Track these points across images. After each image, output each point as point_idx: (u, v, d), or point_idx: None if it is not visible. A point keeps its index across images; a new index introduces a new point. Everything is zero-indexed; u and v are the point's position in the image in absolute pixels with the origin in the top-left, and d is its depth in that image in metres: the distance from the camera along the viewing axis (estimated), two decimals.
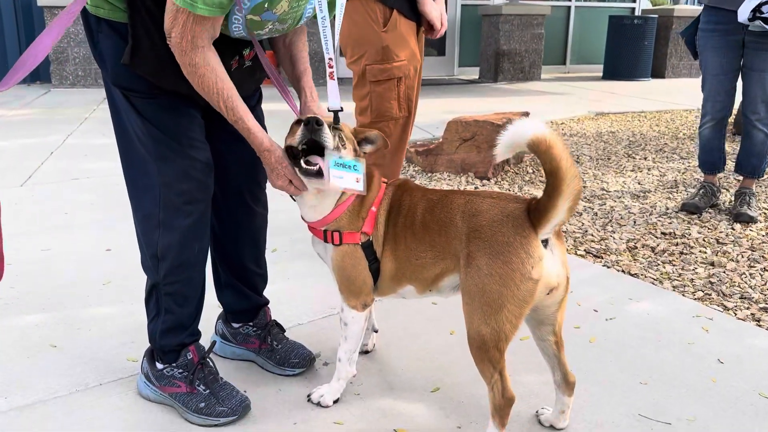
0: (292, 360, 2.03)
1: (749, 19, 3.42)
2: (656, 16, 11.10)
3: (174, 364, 1.84)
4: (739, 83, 3.74)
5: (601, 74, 11.70)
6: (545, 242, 1.58)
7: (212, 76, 1.58)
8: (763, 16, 3.40)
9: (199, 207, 1.75)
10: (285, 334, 2.14)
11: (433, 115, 7.01)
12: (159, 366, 1.86)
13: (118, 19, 1.59)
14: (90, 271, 2.83)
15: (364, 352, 2.19)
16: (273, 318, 2.14)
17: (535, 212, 1.57)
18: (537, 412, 1.88)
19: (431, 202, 1.74)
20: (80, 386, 1.96)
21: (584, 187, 4.44)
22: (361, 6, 2.44)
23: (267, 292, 2.19)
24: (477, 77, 11.26)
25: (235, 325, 2.10)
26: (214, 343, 1.93)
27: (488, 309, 1.57)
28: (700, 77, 3.88)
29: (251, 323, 2.08)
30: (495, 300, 1.56)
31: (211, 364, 1.88)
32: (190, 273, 1.79)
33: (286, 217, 3.59)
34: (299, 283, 2.76)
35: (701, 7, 3.80)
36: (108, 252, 3.05)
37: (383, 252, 1.78)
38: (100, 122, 6.21)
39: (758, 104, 3.66)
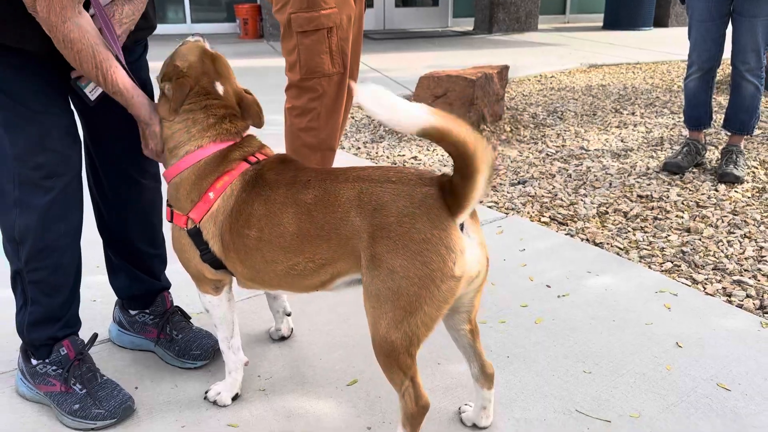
0: (193, 351, 1.82)
1: None
2: None
3: (47, 360, 1.64)
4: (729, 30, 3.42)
5: (602, 24, 11.22)
6: (461, 226, 1.34)
7: (89, 50, 1.38)
8: None
9: (59, 182, 1.51)
10: (191, 320, 1.93)
11: (417, 71, 6.67)
12: (33, 362, 1.66)
13: None
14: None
15: (281, 339, 1.98)
16: (176, 304, 1.93)
17: (452, 197, 1.30)
18: (460, 409, 1.67)
19: (303, 205, 1.43)
20: None
21: (563, 146, 4.16)
22: None
23: (177, 273, 1.97)
24: (471, 28, 10.82)
25: (132, 313, 1.89)
26: (94, 336, 1.71)
27: (401, 312, 1.33)
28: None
29: (148, 310, 1.87)
30: (411, 303, 1.32)
31: (90, 359, 1.67)
32: (57, 258, 1.57)
33: None
34: None
35: None
36: None
37: (226, 256, 1.52)
38: None
39: (748, 53, 3.34)
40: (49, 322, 1.61)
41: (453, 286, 1.32)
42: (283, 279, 1.50)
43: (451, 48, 8.73)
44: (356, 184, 1.40)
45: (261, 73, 6.58)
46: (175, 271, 1.98)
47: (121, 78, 1.46)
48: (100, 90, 1.56)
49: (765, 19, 3.25)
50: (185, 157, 1.55)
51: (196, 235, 1.53)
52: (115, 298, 1.98)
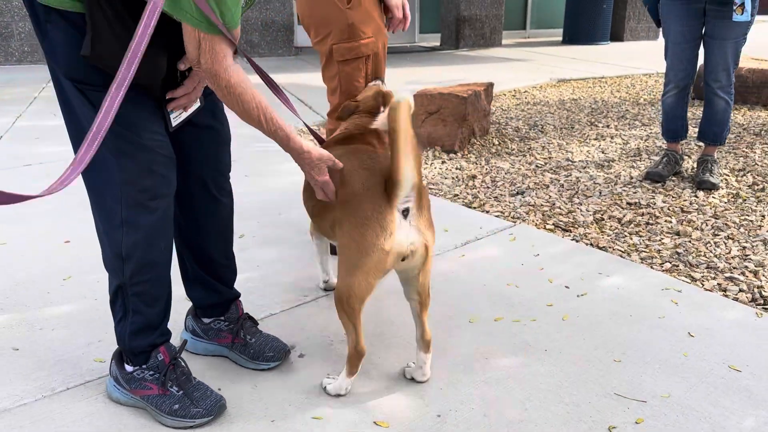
0: (267, 354, 1.99)
1: None
2: None
3: (144, 366, 1.78)
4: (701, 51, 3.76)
5: (560, 39, 11.71)
6: (406, 211, 1.69)
7: (248, 92, 1.55)
8: None
9: (163, 202, 1.68)
10: (258, 326, 2.10)
11: (396, 86, 6.93)
12: (128, 368, 1.80)
13: (70, 9, 1.48)
14: (49, 265, 2.73)
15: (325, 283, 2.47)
16: (245, 311, 2.09)
17: (388, 186, 1.67)
18: (405, 366, 2.01)
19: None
20: (46, 392, 1.89)
21: (549, 158, 4.45)
22: None
23: (236, 282, 2.13)
24: (438, 44, 11.15)
25: (206, 321, 2.04)
26: (185, 342, 1.87)
27: (345, 269, 1.73)
28: (660, 41, 3.90)
29: (222, 317, 2.03)
30: (352, 263, 1.71)
31: (183, 363, 1.83)
32: (157, 272, 1.72)
33: (252, 200, 3.52)
34: (270, 270, 2.70)
35: None
36: (67, 244, 2.94)
37: None
38: (50, 102, 5.97)
39: (719, 72, 3.69)
40: (149, 330, 1.76)
41: (382, 257, 1.68)
42: (315, 217, 2.08)
43: (422, 63, 9.02)
44: (348, 165, 1.82)
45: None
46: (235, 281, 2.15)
47: (278, 116, 1.64)
48: (181, 119, 1.74)
49: (734, 41, 3.60)
50: None
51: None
52: (178, 309, 2.13)
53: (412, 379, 1.96)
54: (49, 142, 4.70)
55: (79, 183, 3.59)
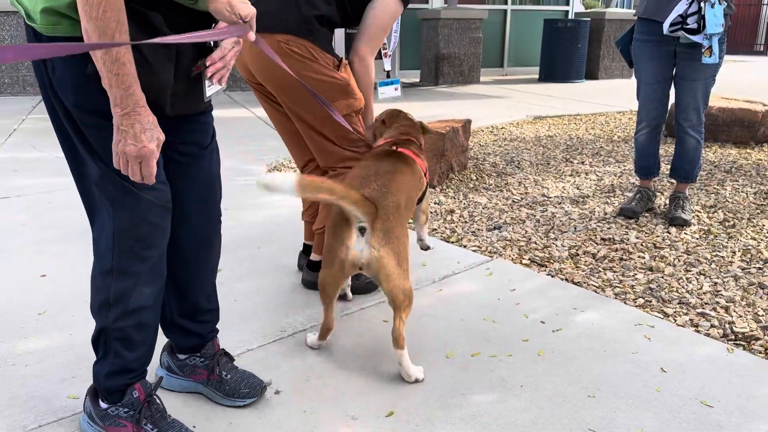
0: (242, 390, 1.98)
1: (671, 31, 3.56)
2: (589, 19, 11.43)
3: (119, 404, 1.77)
4: (673, 91, 3.88)
5: (537, 76, 11.96)
6: (362, 229, 2.06)
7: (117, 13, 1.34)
8: (687, 27, 3.53)
9: (156, 251, 1.67)
10: (235, 362, 2.09)
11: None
12: (103, 405, 1.78)
13: (77, 34, 1.43)
14: (24, 299, 2.70)
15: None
16: (222, 347, 2.08)
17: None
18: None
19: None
20: (18, 429, 1.86)
21: (526, 193, 4.53)
22: (316, 56, 2.46)
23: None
24: (418, 80, 11.33)
25: (181, 357, 2.03)
26: (161, 378, 1.85)
27: (323, 264, 2.18)
28: (633, 79, 4.01)
29: (198, 354, 2.02)
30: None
31: (158, 401, 1.81)
32: (143, 317, 1.71)
33: (230, 234, 3.52)
34: (248, 304, 2.70)
35: (632, 11, 3.91)
36: (43, 278, 2.91)
37: None
38: (30, 134, 5.95)
39: (690, 112, 3.80)
40: (125, 372, 1.74)
41: (341, 262, 2.10)
42: None
43: (403, 99, 9.13)
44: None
45: (228, 123, 6.77)
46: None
47: (130, 56, 1.39)
48: (214, 90, 1.70)
49: (704, 82, 3.73)
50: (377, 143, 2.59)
51: None
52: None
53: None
54: (27, 174, 4.67)
55: (59, 218, 3.57)
